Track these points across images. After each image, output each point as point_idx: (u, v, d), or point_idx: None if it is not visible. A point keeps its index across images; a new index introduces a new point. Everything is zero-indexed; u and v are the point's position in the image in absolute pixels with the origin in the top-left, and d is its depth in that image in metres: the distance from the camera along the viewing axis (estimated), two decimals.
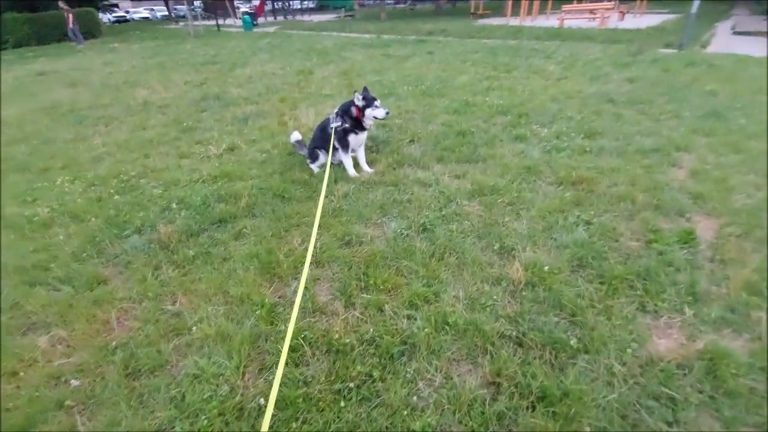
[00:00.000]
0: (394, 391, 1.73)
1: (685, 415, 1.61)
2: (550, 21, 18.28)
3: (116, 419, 1.68)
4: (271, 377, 1.81)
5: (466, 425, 1.61)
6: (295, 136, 4.22)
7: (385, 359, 1.88)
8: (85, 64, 11.76)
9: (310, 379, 1.81)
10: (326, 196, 3.37)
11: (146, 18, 40.89)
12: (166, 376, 1.86)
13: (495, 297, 2.22)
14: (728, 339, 1.95)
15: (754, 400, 1.66)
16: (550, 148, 4.14)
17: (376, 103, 3.54)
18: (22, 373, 1.92)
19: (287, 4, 38.12)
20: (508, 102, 5.73)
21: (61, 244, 2.89)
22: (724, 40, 12.06)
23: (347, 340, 1.97)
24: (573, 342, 1.91)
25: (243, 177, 3.81)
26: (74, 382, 1.85)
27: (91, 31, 20.78)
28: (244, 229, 2.96)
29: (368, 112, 3.52)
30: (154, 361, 1.93)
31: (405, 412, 1.65)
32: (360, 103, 3.50)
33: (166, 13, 40.44)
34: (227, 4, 30.84)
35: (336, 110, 3.66)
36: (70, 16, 16.68)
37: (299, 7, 42.17)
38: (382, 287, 2.32)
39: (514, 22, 18.21)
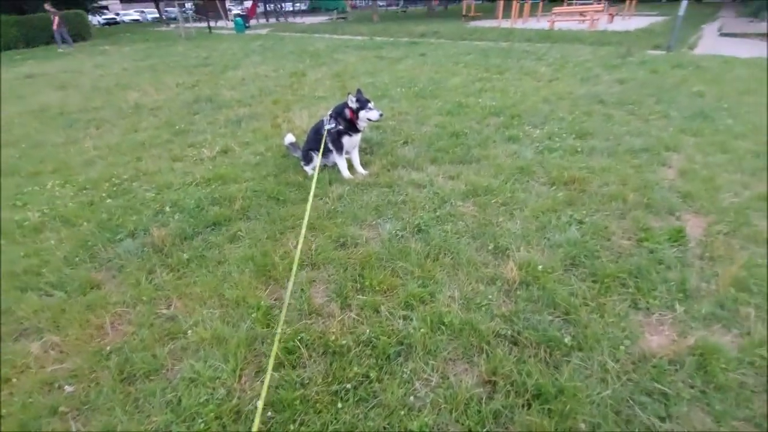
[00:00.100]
0: (391, 391, 1.74)
1: (677, 410, 1.64)
2: (540, 23, 18.46)
3: (111, 424, 1.67)
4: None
5: (462, 424, 1.62)
6: (289, 138, 4.22)
7: (381, 360, 1.89)
8: (74, 67, 11.63)
9: (307, 381, 1.81)
10: (321, 198, 3.38)
11: (137, 20, 40.60)
12: (161, 381, 1.85)
13: (490, 296, 2.24)
14: (718, 334, 1.99)
15: (743, 394, 1.69)
16: (542, 148, 4.19)
17: (370, 105, 3.55)
18: (14, 380, 1.89)
19: (279, 6, 38.06)
20: (500, 103, 5.78)
21: (53, 249, 2.86)
22: (711, 41, 12.27)
23: (344, 342, 1.98)
24: (567, 340, 1.94)
25: (237, 179, 3.80)
26: (68, 388, 1.83)
27: (80, 33, 20.60)
28: (239, 232, 2.95)
29: (362, 114, 3.54)
30: (150, 365, 1.92)
31: (402, 413, 1.66)
32: (354, 105, 3.52)
33: (157, 15, 40.17)
34: (218, 5, 30.71)
35: (330, 112, 3.67)
36: (56, 18, 16.52)
37: (291, 9, 42.13)
38: (377, 288, 2.33)
39: (505, 24, 18.36)
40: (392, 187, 3.52)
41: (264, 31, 22.02)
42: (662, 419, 1.61)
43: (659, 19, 19.23)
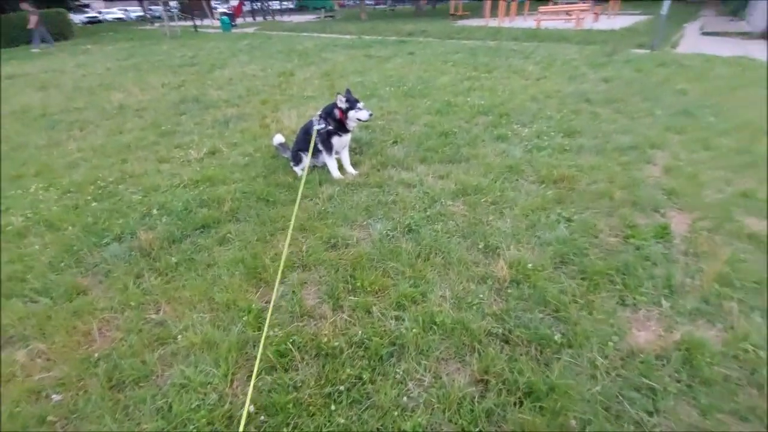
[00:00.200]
0: (384, 392, 1.74)
1: (664, 404, 1.67)
2: (527, 22, 18.60)
3: None
4: (260, 383, 1.79)
5: (456, 423, 1.63)
6: (278, 138, 4.19)
7: (374, 361, 1.89)
8: (56, 67, 11.37)
9: (300, 384, 1.80)
10: (311, 199, 3.37)
11: (120, 19, 39.78)
12: (151, 387, 1.83)
13: (481, 295, 2.26)
14: (703, 329, 2.03)
15: (728, 387, 1.73)
16: (531, 147, 4.23)
17: (359, 105, 3.54)
18: (1, 389, 1.85)
19: (266, 4, 37.69)
20: (489, 102, 5.81)
21: (37, 254, 2.80)
22: (693, 40, 12.51)
23: (336, 343, 1.97)
24: (557, 337, 1.96)
25: (225, 181, 3.76)
26: (55, 397, 1.80)
27: (62, 32, 20.09)
28: (228, 234, 2.92)
29: (351, 114, 3.53)
30: (139, 371, 1.89)
31: (395, 413, 1.67)
32: (343, 105, 3.51)
33: (141, 13, 39.46)
34: (204, 4, 30.31)
35: (319, 112, 3.65)
36: (34, 17, 16.10)
37: (278, 7, 41.75)
38: (369, 289, 2.33)
39: (492, 23, 18.46)
40: (382, 187, 3.52)
41: (251, 30, 21.80)
42: (650, 414, 1.64)
43: (643, 18, 19.54)
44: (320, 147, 3.64)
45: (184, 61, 11.09)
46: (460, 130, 4.77)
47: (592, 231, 2.80)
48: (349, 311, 2.20)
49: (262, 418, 1.67)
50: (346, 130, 3.65)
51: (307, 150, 3.60)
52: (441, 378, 1.82)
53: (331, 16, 31.37)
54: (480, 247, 2.68)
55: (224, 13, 24.79)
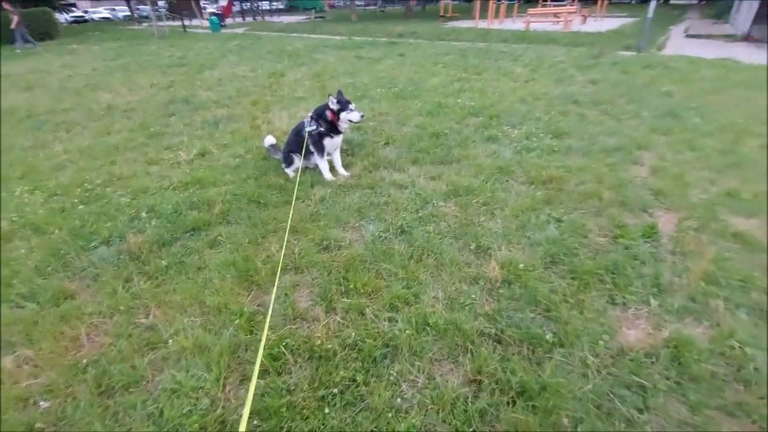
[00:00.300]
0: (378, 394, 1.74)
1: (654, 401, 1.70)
2: (516, 24, 18.79)
3: None
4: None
5: (449, 424, 1.64)
6: (269, 140, 4.17)
7: (367, 363, 1.89)
8: (41, 67, 11.16)
9: (293, 387, 1.79)
10: (303, 201, 3.35)
11: (107, 18, 39.20)
12: (142, 393, 1.80)
13: (473, 296, 2.27)
14: (690, 327, 2.07)
15: (716, 384, 1.77)
16: (520, 148, 4.27)
17: (351, 106, 3.54)
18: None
19: (256, 5, 37.48)
20: (479, 103, 5.85)
21: (23, 258, 2.74)
22: (678, 42, 12.74)
23: (329, 346, 1.97)
24: (549, 336, 1.98)
25: (216, 183, 3.73)
26: (44, 404, 1.76)
27: (47, 32, 19.75)
28: (219, 237, 2.90)
29: (343, 115, 3.52)
30: (129, 377, 1.86)
31: (390, 415, 1.67)
32: (335, 106, 3.50)
33: (128, 13, 38.96)
34: (192, 4, 30.03)
35: (310, 114, 3.64)
36: (15, 17, 15.82)
37: (268, 8, 41.55)
38: (362, 291, 2.33)
39: (482, 24, 18.61)
40: (374, 188, 3.52)
41: (240, 30, 21.66)
42: (641, 411, 1.67)
43: (629, 20, 19.87)
44: (312, 148, 3.63)
45: (173, 62, 10.97)
46: (451, 132, 4.80)
47: (581, 231, 2.84)
48: (342, 313, 2.20)
49: (256, 422, 1.66)
50: (337, 132, 3.65)
51: (299, 152, 3.58)
52: (434, 379, 1.83)
53: (321, 17, 31.33)
54: (472, 247, 2.69)
55: (213, 13, 24.58)
